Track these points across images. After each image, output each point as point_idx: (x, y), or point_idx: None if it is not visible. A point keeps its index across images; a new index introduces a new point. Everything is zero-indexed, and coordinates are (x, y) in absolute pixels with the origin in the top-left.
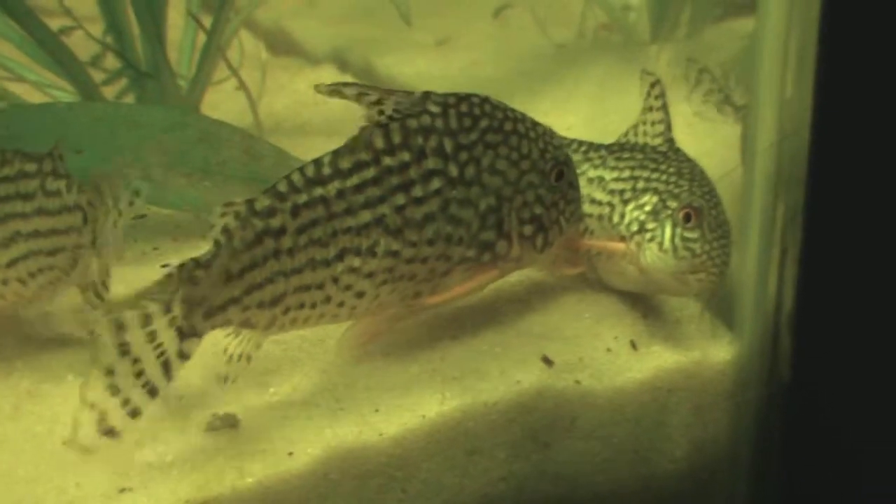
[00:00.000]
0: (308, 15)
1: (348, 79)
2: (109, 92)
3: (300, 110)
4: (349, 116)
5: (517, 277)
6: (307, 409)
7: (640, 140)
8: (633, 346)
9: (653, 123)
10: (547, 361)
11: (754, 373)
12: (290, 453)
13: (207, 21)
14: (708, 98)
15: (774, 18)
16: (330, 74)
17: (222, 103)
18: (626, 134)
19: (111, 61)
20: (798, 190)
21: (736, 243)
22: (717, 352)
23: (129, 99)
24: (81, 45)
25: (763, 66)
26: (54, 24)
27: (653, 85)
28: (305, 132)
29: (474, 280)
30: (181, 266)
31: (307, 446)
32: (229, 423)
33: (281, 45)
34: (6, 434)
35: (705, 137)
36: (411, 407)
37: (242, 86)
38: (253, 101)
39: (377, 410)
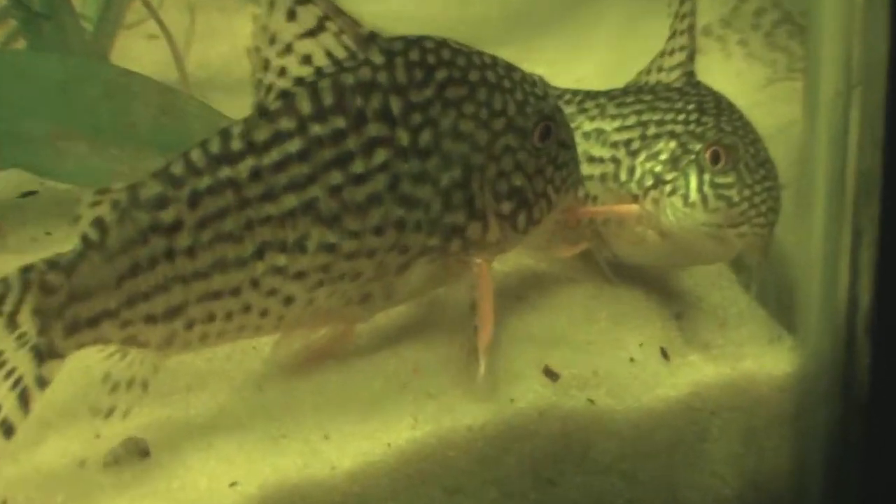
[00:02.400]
0: None
1: None
2: None
3: (239, 60)
4: None
5: (509, 266)
6: (238, 436)
7: (655, 76)
8: (664, 354)
9: (672, 53)
10: (550, 374)
11: (823, 388)
12: (216, 492)
13: None
14: (759, 20)
15: None
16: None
17: (138, 52)
18: (642, 71)
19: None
20: (873, 152)
21: (797, 222)
22: (775, 361)
23: (20, 45)
24: None
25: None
26: None
27: (682, 2)
28: (245, 88)
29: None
30: (26, 269)
31: (238, 483)
32: (138, 453)
33: None
34: None
35: (754, 91)
36: (373, 433)
37: (163, 30)
38: (177, 50)
39: (328, 437)
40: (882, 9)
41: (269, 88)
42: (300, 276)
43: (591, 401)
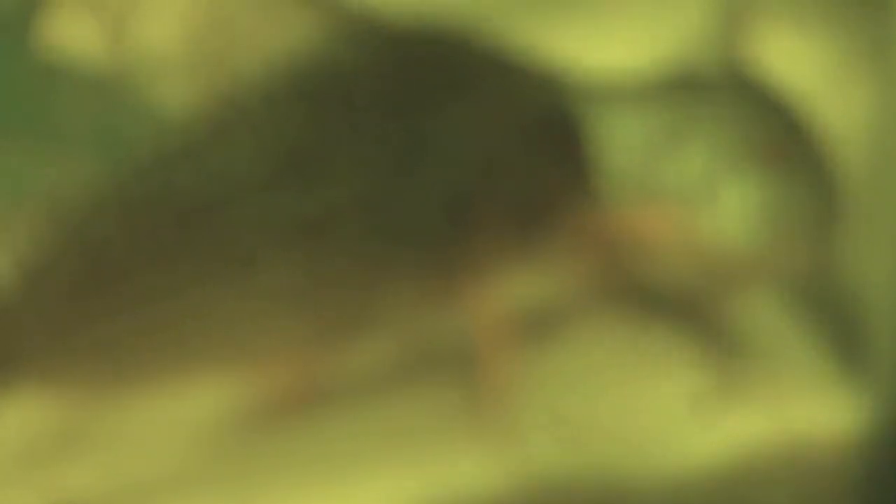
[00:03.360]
0: None
1: None
2: None
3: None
4: None
5: (517, 294)
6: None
7: (693, 63)
8: (705, 405)
9: (715, 33)
10: (565, 429)
11: (888, 442)
12: None
13: None
14: None
15: None
16: None
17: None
18: (679, 57)
19: None
20: None
21: (864, 244)
22: (839, 414)
23: None
24: None
25: None
26: None
27: None
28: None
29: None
30: None
31: None
32: None
33: None
34: None
35: (816, 78)
36: (354, 496)
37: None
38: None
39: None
40: None
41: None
42: (259, 306)
43: (617, 462)
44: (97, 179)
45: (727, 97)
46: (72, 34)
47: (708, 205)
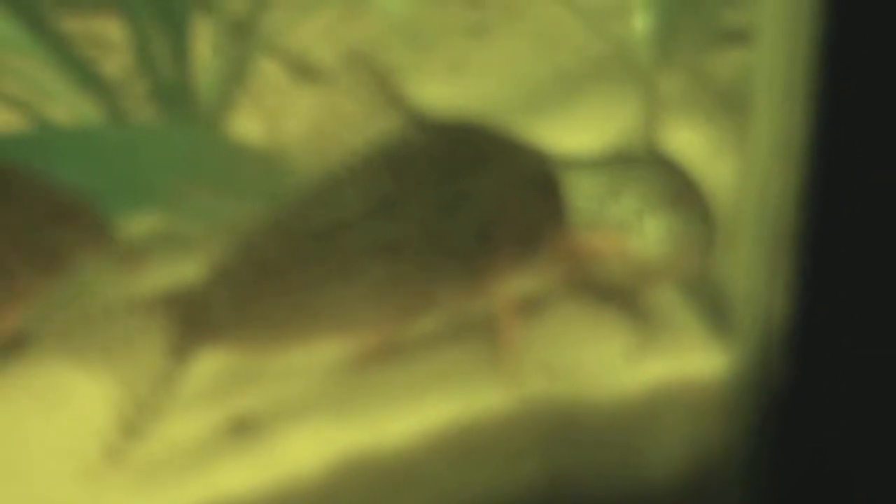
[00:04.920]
0: (327, 42)
1: None
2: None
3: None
4: None
5: (516, 288)
6: (319, 415)
7: (626, 145)
8: (631, 357)
9: (639, 128)
10: (547, 371)
11: (749, 385)
12: (303, 457)
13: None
14: None
15: (769, 44)
16: None
17: (244, 128)
18: (617, 141)
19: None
20: (792, 205)
21: (731, 257)
22: (714, 364)
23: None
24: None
25: (758, 92)
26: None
27: (648, 88)
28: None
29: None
30: (169, 289)
31: (320, 450)
32: (246, 427)
33: (301, 72)
34: (35, 438)
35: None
36: (417, 414)
37: (265, 110)
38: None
39: (385, 416)
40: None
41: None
42: (364, 296)
43: (577, 391)
44: (261, 215)
45: (648, 165)
46: (246, 125)
47: (637, 232)
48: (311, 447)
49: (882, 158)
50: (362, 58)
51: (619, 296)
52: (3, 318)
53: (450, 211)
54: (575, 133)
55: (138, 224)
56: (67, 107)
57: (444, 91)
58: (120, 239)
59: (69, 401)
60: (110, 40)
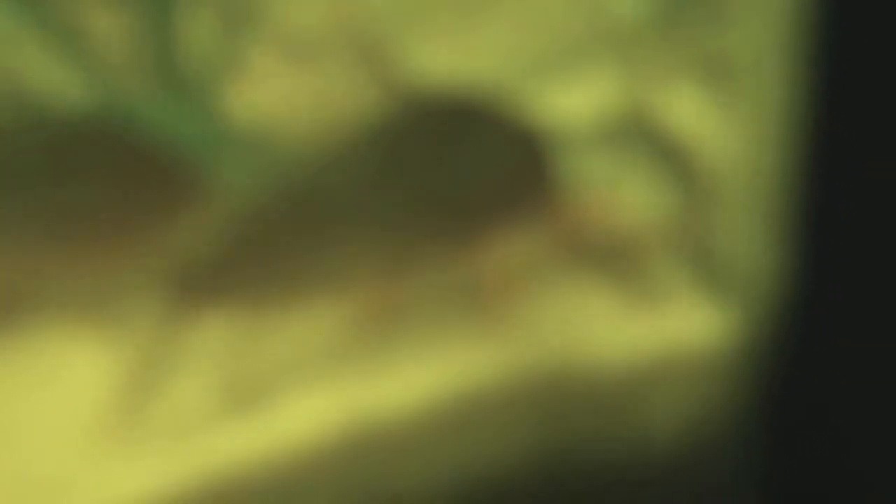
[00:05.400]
0: None
1: None
2: None
3: None
4: None
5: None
6: (314, 382)
7: None
8: (628, 321)
9: None
10: (540, 338)
11: (748, 349)
12: (296, 424)
13: None
14: None
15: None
16: None
17: None
18: None
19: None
20: (791, 150)
21: (727, 215)
22: (710, 327)
23: None
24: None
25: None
26: None
27: None
28: None
29: None
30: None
31: (312, 418)
32: (237, 393)
33: None
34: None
35: None
36: (413, 381)
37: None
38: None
39: (378, 384)
40: None
41: None
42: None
43: (572, 358)
44: (263, 187)
45: (644, 132)
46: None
47: (631, 197)
48: (310, 413)
49: (883, 123)
50: (351, 30)
51: (612, 261)
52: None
53: (443, 178)
54: (572, 101)
55: None
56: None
57: (443, 58)
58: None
59: (64, 369)
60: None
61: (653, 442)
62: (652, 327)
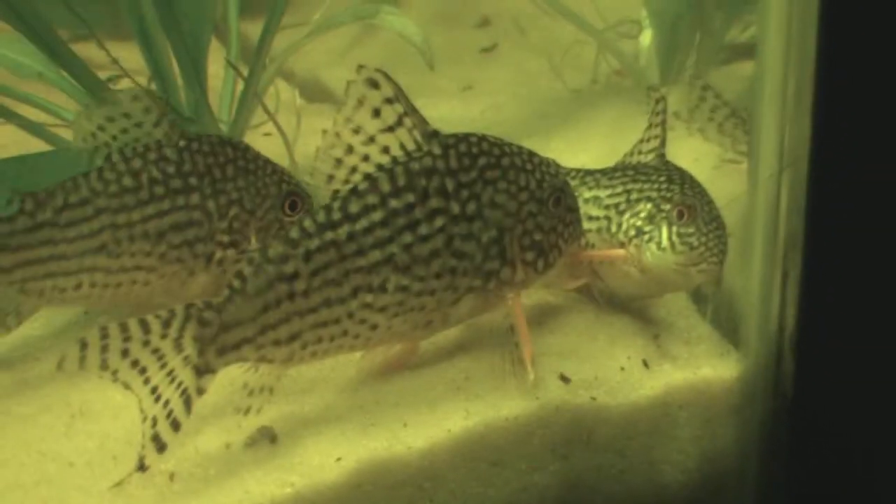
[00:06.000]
0: (340, 65)
1: None
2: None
3: None
4: None
5: (533, 300)
6: (340, 425)
7: (636, 157)
8: (646, 364)
9: (648, 140)
10: (564, 379)
11: (759, 389)
12: (325, 466)
13: (246, 71)
14: (713, 115)
15: (773, 61)
16: None
17: (259, 146)
18: (627, 154)
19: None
20: (798, 217)
21: (740, 267)
22: (725, 370)
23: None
24: None
25: (763, 104)
26: (103, 74)
27: (657, 101)
28: None
29: (515, 311)
30: (188, 306)
31: (341, 459)
32: (268, 438)
33: (315, 93)
34: (59, 450)
35: (710, 171)
36: (437, 422)
37: (279, 129)
38: (289, 144)
39: (406, 425)
40: (805, 111)
41: (353, 169)
42: (382, 309)
43: (594, 398)
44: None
45: (661, 177)
46: (264, 149)
47: (652, 241)
48: (332, 457)
49: (888, 165)
50: (379, 72)
51: (633, 304)
52: None
53: (467, 224)
54: (586, 147)
55: None
56: None
57: (455, 110)
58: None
59: (94, 414)
60: (128, 65)
61: (672, 480)
62: (671, 369)
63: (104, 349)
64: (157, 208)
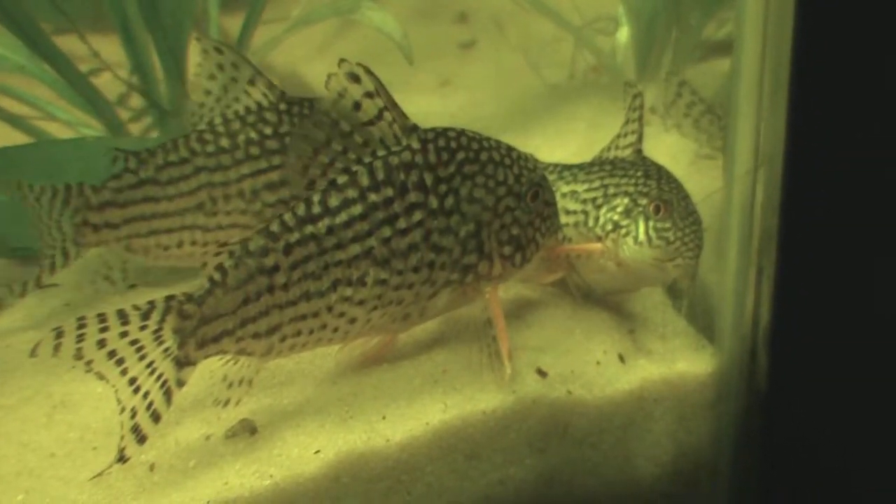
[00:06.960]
0: (320, 60)
1: None
2: (135, 129)
3: None
4: None
5: (511, 295)
6: (319, 417)
7: (613, 152)
8: (621, 359)
9: (626, 135)
10: (541, 373)
11: (733, 384)
12: (304, 458)
13: None
14: (689, 111)
15: (749, 58)
16: None
17: None
18: (604, 149)
19: (136, 101)
20: (773, 213)
21: (715, 263)
22: (700, 364)
23: (154, 135)
24: (109, 87)
25: (739, 101)
26: (84, 67)
27: (634, 97)
28: None
29: (492, 305)
30: (168, 298)
31: (320, 451)
32: (248, 430)
33: (295, 87)
34: (40, 441)
35: (686, 166)
36: (415, 415)
37: None
38: None
39: (384, 418)
40: (781, 108)
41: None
42: (361, 302)
43: (570, 392)
44: (269, 230)
45: (638, 172)
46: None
47: (628, 236)
48: (311, 449)
49: (862, 162)
50: (360, 66)
51: (609, 299)
52: None
53: (445, 218)
54: (564, 142)
55: None
56: (65, 122)
57: (434, 105)
58: None
59: (75, 405)
60: (109, 58)
61: (647, 473)
62: (647, 363)
63: (80, 338)
64: (252, 168)
